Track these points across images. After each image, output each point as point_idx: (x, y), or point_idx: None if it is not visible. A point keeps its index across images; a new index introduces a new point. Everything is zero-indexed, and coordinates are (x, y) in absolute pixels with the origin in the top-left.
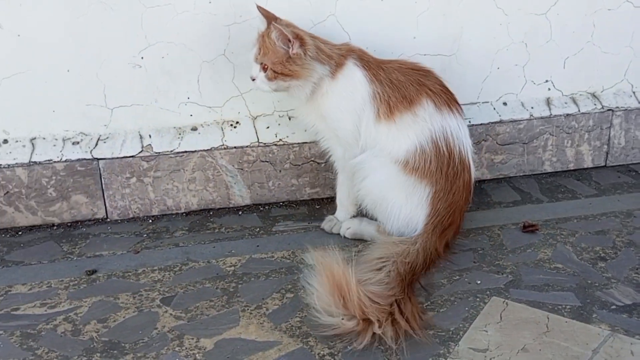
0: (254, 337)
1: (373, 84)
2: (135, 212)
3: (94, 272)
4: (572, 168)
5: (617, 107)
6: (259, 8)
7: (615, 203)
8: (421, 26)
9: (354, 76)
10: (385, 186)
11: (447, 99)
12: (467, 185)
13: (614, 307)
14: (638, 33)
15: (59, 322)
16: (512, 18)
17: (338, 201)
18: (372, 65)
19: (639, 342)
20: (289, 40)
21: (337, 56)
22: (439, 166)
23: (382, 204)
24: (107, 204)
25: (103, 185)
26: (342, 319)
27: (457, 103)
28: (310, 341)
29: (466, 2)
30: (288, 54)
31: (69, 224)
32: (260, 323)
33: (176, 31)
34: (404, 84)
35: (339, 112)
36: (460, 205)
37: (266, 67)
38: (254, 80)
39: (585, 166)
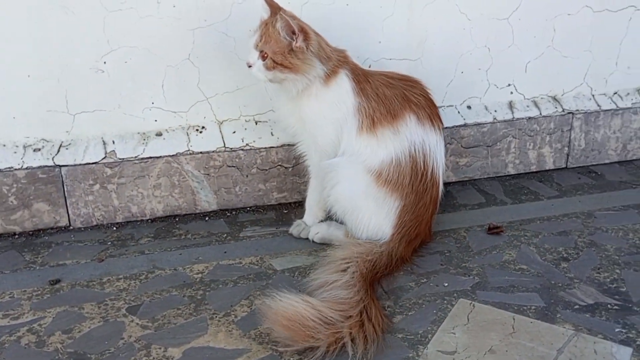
0: (222, 345)
1: (359, 97)
2: (98, 219)
3: (57, 281)
4: (534, 170)
5: (577, 110)
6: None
7: (577, 204)
8: (386, 31)
9: (343, 87)
10: (357, 195)
11: (430, 113)
12: (434, 200)
13: (577, 307)
14: (597, 37)
15: (23, 334)
16: (475, 23)
17: (307, 205)
18: (362, 79)
19: (601, 341)
20: (294, 32)
21: (335, 60)
22: (412, 181)
23: (352, 212)
24: (69, 212)
25: (65, 193)
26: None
27: (439, 118)
28: (279, 347)
29: (430, 7)
30: (291, 45)
31: (30, 233)
32: (229, 331)
33: (139, 35)
34: (390, 99)
35: (323, 119)
36: (426, 218)
37: (266, 55)
38: (250, 67)
39: (547, 168)
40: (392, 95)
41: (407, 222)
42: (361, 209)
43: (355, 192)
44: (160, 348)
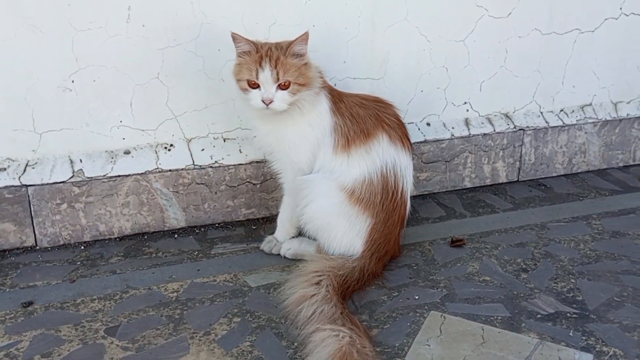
0: None
1: (336, 117)
2: (66, 238)
3: (30, 303)
4: (488, 183)
5: (528, 127)
6: (237, 35)
7: (530, 216)
8: (351, 51)
9: (322, 106)
10: (330, 213)
11: (401, 134)
12: (402, 218)
13: (539, 316)
14: (545, 58)
15: (1, 359)
16: (434, 44)
17: (279, 222)
18: (337, 99)
19: (565, 349)
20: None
21: (319, 71)
22: (382, 199)
23: (325, 229)
24: (36, 232)
25: (32, 213)
26: None
27: (409, 140)
28: None
29: (392, 29)
30: (303, 62)
31: None
32: (211, 349)
33: (108, 54)
34: (363, 118)
35: (301, 138)
36: (394, 235)
37: (287, 84)
38: (269, 103)
39: (500, 181)
40: (365, 115)
41: (377, 240)
42: (334, 226)
43: (328, 210)
44: None
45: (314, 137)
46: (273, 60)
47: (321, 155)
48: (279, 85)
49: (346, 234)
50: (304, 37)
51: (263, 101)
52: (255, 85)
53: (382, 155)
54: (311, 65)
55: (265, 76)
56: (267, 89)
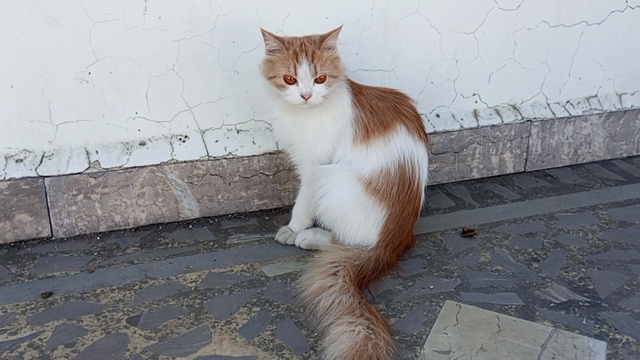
0: (229, 352)
1: (357, 109)
2: (82, 229)
3: (50, 294)
4: (496, 174)
5: (535, 118)
6: (267, 32)
7: (538, 206)
8: (363, 43)
9: (344, 98)
10: (347, 204)
11: (418, 126)
12: (415, 210)
13: (552, 304)
14: (552, 50)
15: (24, 349)
16: (444, 36)
17: (295, 212)
18: (357, 91)
19: (579, 336)
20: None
21: None
22: (399, 190)
23: (342, 220)
24: (52, 222)
25: (48, 204)
26: None
27: (425, 132)
28: (285, 353)
29: (404, 21)
30: (335, 54)
31: (12, 244)
32: (233, 338)
33: (125, 46)
34: (382, 110)
35: (324, 131)
36: (408, 226)
37: (324, 77)
38: (308, 98)
39: (508, 172)
40: (384, 107)
41: (392, 231)
42: (350, 217)
43: (345, 201)
44: (168, 358)
45: (336, 129)
46: (310, 55)
47: (341, 146)
48: (315, 79)
49: (362, 224)
50: (338, 31)
51: (302, 96)
52: (292, 81)
53: (400, 146)
54: (340, 57)
55: (304, 71)
56: (305, 83)
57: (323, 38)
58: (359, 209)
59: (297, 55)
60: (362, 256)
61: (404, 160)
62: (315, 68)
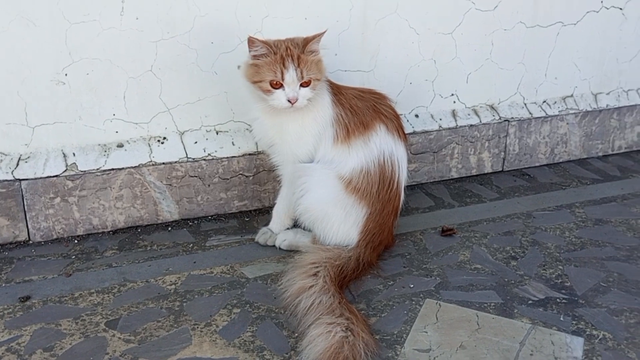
0: (209, 354)
1: (337, 108)
2: (59, 233)
3: (27, 298)
4: (474, 174)
5: (512, 118)
6: (253, 38)
7: (516, 205)
8: (342, 44)
9: (325, 98)
10: (328, 203)
11: (397, 125)
12: (395, 209)
13: (530, 302)
14: (529, 50)
15: (2, 354)
16: (423, 37)
17: (275, 213)
18: (336, 91)
19: (557, 333)
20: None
21: None
22: (379, 189)
23: (322, 220)
24: (29, 226)
25: (25, 207)
26: None
27: (404, 131)
28: (266, 354)
29: (382, 22)
30: (317, 57)
31: None
32: (213, 340)
33: (102, 47)
34: (362, 110)
35: (304, 131)
36: (388, 226)
37: (309, 81)
38: (294, 102)
39: (486, 171)
40: (363, 107)
41: (372, 230)
42: (331, 216)
43: (326, 199)
44: None
45: (317, 130)
46: (295, 60)
47: (322, 147)
48: (301, 83)
49: (342, 223)
50: (322, 35)
51: (289, 100)
52: (278, 85)
53: (379, 145)
54: (322, 60)
55: (291, 76)
56: (292, 88)
57: (307, 42)
58: (339, 208)
59: (283, 60)
60: (343, 256)
61: (384, 159)
62: (301, 73)
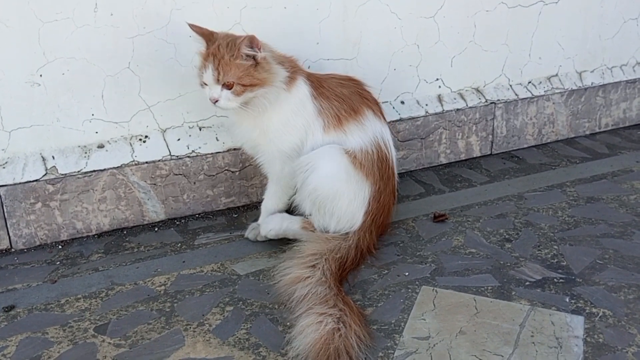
0: (203, 355)
1: (319, 101)
2: (42, 239)
3: (12, 307)
4: (463, 158)
5: (498, 100)
6: (194, 27)
7: (507, 187)
8: (323, 32)
9: (302, 92)
10: (339, 179)
11: (379, 108)
12: (393, 189)
13: (527, 283)
14: (512, 32)
15: None
16: (405, 22)
17: (263, 208)
18: (317, 84)
19: (556, 313)
20: (252, 47)
21: (289, 65)
22: (379, 168)
23: (333, 198)
24: (10, 233)
25: (5, 214)
26: None
27: (385, 116)
28: (262, 351)
29: (363, 8)
30: (255, 62)
31: None
32: (207, 340)
33: (77, 46)
34: (348, 96)
35: (287, 126)
36: (389, 206)
37: (231, 84)
38: (216, 102)
39: (475, 155)
40: (348, 93)
41: (375, 210)
42: (342, 194)
43: (337, 175)
44: None
45: (300, 124)
46: (217, 61)
47: (310, 138)
48: (223, 85)
49: (352, 201)
50: (250, 39)
51: (212, 98)
52: (204, 83)
53: (372, 128)
54: (266, 66)
55: (208, 76)
56: (211, 88)
57: (238, 47)
58: (351, 184)
59: (206, 60)
60: (343, 246)
61: (377, 140)
62: (218, 75)
